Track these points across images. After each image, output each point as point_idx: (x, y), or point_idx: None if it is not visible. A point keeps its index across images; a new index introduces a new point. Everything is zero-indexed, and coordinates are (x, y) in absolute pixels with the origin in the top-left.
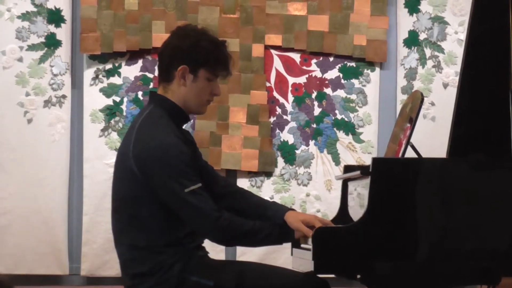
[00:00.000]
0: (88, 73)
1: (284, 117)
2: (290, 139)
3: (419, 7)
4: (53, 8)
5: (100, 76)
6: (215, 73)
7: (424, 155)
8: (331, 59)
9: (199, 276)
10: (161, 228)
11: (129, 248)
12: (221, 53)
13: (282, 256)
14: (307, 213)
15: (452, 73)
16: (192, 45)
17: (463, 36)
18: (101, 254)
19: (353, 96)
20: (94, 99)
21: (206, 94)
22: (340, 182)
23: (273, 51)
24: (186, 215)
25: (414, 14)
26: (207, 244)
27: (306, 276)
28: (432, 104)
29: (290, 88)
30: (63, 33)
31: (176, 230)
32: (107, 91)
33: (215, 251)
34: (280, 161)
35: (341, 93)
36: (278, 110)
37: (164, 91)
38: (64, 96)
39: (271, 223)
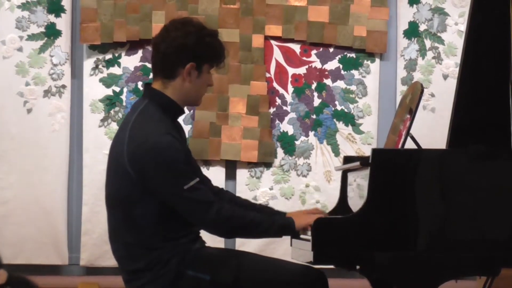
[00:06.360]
0: (88, 63)
1: (284, 108)
2: (290, 130)
3: None
4: None
5: (100, 66)
6: (216, 65)
7: (424, 146)
8: (331, 50)
9: (195, 270)
10: (154, 226)
11: (124, 246)
12: (221, 45)
13: (281, 247)
14: (306, 203)
15: (452, 64)
16: (198, 42)
17: (463, 27)
18: (101, 244)
19: (353, 87)
20: (94, 89)
21: (206, 86)
22: (339, 173)
23: (273, 42)
24: (187, 211)
25: (414, 5)
26: (206, 235)
27: (303, 268)
28: (432, 95)
29: (290, 79)
30: (63, 23)
31: (170, 227)
32: (107, 81)
33: (214, 242)
34: (280, 152)
35: (341, 84)
36: (278, 101)
37: (163, 86)
38: (64, 86)
39: (272, 217)
